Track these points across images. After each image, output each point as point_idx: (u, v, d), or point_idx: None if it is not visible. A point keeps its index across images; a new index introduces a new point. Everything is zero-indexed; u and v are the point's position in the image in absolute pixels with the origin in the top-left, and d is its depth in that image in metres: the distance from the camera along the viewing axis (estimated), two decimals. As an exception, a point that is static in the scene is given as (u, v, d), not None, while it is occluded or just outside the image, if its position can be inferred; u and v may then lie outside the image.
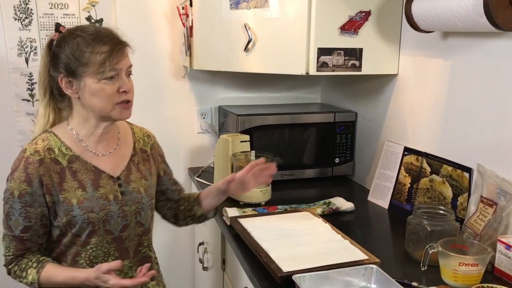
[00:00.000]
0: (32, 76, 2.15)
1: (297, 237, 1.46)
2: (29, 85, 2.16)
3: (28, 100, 2.17)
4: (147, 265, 1.27)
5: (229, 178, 1.49)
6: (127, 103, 1.31)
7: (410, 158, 1.78)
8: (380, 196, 1.89)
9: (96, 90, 1.26)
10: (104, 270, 1.22)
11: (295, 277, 1.20)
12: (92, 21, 2.17)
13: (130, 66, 1.32)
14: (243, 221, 1.58)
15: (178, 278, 2.50)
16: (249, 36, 1.82)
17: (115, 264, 1.23)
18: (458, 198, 1.56)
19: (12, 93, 2.15)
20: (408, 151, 1.80)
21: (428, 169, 1.69)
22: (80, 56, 1.25)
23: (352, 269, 1.26)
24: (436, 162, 1.66)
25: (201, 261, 2.11)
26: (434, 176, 1.66)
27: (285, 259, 1.31)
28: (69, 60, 1.25)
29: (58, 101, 1.36)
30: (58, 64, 1.28)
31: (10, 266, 1.32)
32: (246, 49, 1.84)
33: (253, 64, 1.87)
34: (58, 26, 1.32)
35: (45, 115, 1.36)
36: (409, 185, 1.77)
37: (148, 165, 1.46)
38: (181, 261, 2.50)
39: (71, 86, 1.28)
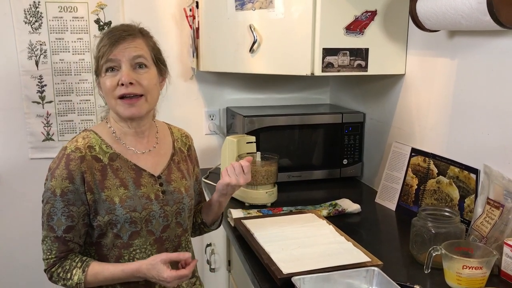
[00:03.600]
0: (42, 78, 2.18)
1: (300, 239, 1.45)
2: (39, 88, 2.19)
3: (38, 103, 2.20)
4: (195, 260, 1.29)
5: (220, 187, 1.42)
6: (130, 98, 1.24)
7: (417, 159, 1.76)
8: (388, 197, 1.87)
9: (101, 85, 1.27)
10: (165, 259, 1.20)
11: (294, 279, 1.19)
12: (101, 23, 2.19)
13: (137, 56, 1.24)
14: (246, 223, 1.57)
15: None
16: (254, 37, 1.82)
17: (180, 255, 1.23)
18: (465, 200, 1.53)
19: (23, 96, 2.19)
20: (415, 152, 1.78)
21: (435, 170, 1.66)
22: (96, 55, 1.27)
23: (353, 271, 1.25)
24: (443, 163, 1.63)
25: (208, 262, 2.11)
26: (441, 177, 1.63)
27: (286, 261, 1.30)
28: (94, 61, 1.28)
29: None
30: None
31: (53, 269, 1.25)
32: (251, 50, 1.84)
33: (258, 65, 1.87)
34: None
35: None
36: (416, 187, 1.74)
37: (186, 166, 1.43)
38: (190, 262, 2.50)
39: (99, 85, 1.31)
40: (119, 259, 1.29)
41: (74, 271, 1.23)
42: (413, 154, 1.79)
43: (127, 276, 1.24)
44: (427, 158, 1.71)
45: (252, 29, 1.82)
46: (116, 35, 1.24)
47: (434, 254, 1.27)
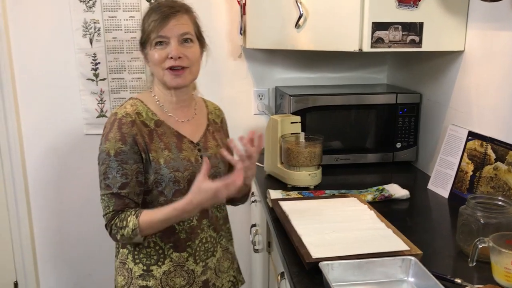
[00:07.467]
0: (95, 56, 2.23)
1: (336, 223, 1.38)
2: (93, 65, 2.24)
3: (92, 80, 2.26)
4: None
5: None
6: (177, 69, 1.36)
7: (474, 144, 1.61)
8: (441, 184, 1.74)
9: (150, 57, 1.38)
10: (202, 178, 1.23)
11: (322, 265, 1.13)
12: (152, 1, 2.19)
13: (184, 33, 1.36)
14: (283, 204, 1.52)
15: (234, 259, 2.50)
16: (300, 11, 1.74)
17: (206, 166, 1.25)
18: (525, 189, 1.39)
19: (78, 73, 2.25)
20: (472, 135, 1.63)
21: (493, 155, 1.52)
22: (143, 27, 1.39)
23: (388, 260, 1.17)
24: (502, 148, 1.48)
25: (253, 242, 2.09)
26: (499, 163, 1.49)
27: (317, 245, 1.24)
28: (141, 33, 1.40)
29: None
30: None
31: (111, 222, 1.33)
32: (297, 25, 1.76)
33: (304, 41, 1.79)
34: None
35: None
36: (471, 173, 1.60)
37: (220, 135, 1.54)
38: (238, 242, 2.48)
39: (145, 55, 1.41)
40: None
41: (128, 219, 1.32)
42: (469, 138, 1.64)
43: (179, 212, 1.29)
44: (484, 143, 1.56)
45: (298, 3, 1.74)
46: (165, 12, 1.35)
47: (480, 246, 1.15)
